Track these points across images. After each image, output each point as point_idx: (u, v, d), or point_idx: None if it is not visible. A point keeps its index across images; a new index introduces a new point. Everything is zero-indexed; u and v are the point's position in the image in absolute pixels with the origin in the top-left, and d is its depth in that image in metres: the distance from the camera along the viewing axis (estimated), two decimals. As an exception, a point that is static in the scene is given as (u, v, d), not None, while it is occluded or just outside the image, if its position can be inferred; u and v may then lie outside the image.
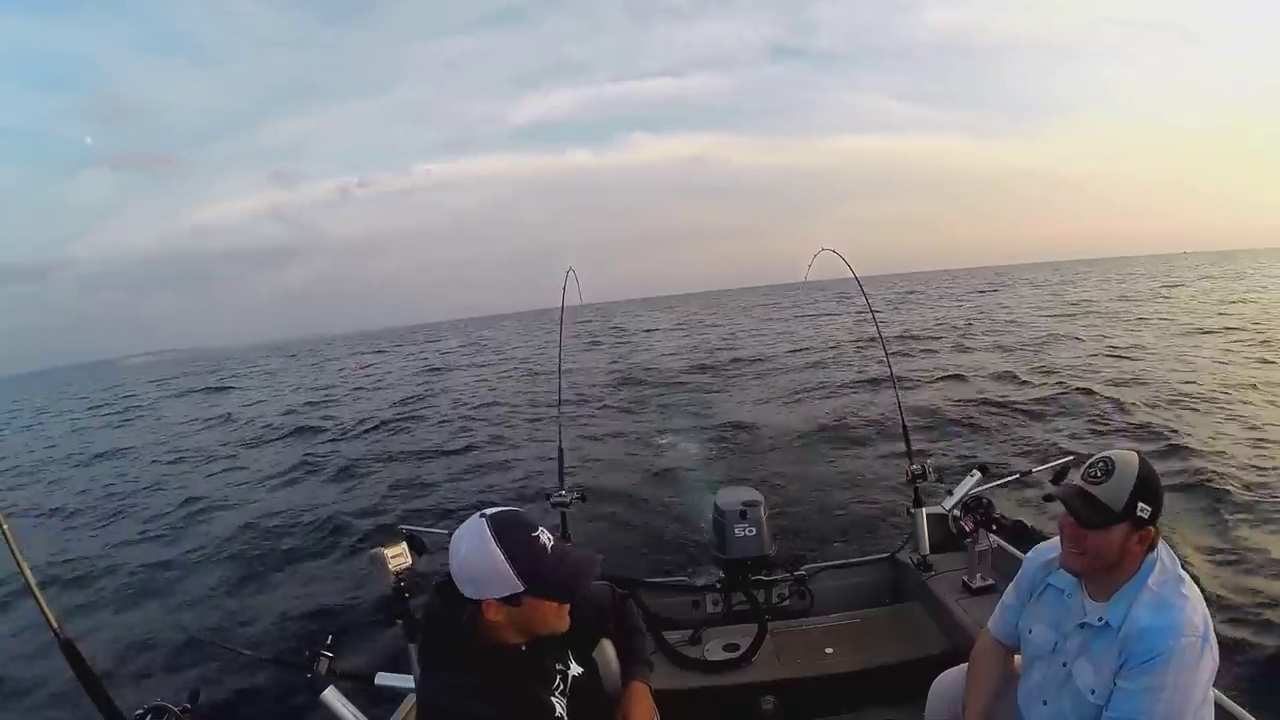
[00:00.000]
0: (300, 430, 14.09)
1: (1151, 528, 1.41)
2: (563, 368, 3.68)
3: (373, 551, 1.76)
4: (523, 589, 1.17)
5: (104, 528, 8.66)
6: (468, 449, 10.44)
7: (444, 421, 13.69)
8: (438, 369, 26.59)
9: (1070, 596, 1.55)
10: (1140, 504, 1.39)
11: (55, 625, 1.55)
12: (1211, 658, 1.36)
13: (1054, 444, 7.67)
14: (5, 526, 1.57)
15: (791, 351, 19.65)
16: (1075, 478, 1.49)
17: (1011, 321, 22.86)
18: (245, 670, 3.98)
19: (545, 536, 1.23)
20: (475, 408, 14.98)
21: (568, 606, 1.25)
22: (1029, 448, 7.76)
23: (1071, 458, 3.25)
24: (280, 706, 3.68)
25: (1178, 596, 1.39)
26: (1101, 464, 1.44)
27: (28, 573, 1.55)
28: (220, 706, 3.79)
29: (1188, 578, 1.43)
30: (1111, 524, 1.41)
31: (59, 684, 3.94)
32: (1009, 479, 3.14)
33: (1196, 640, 1.34)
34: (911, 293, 47.61)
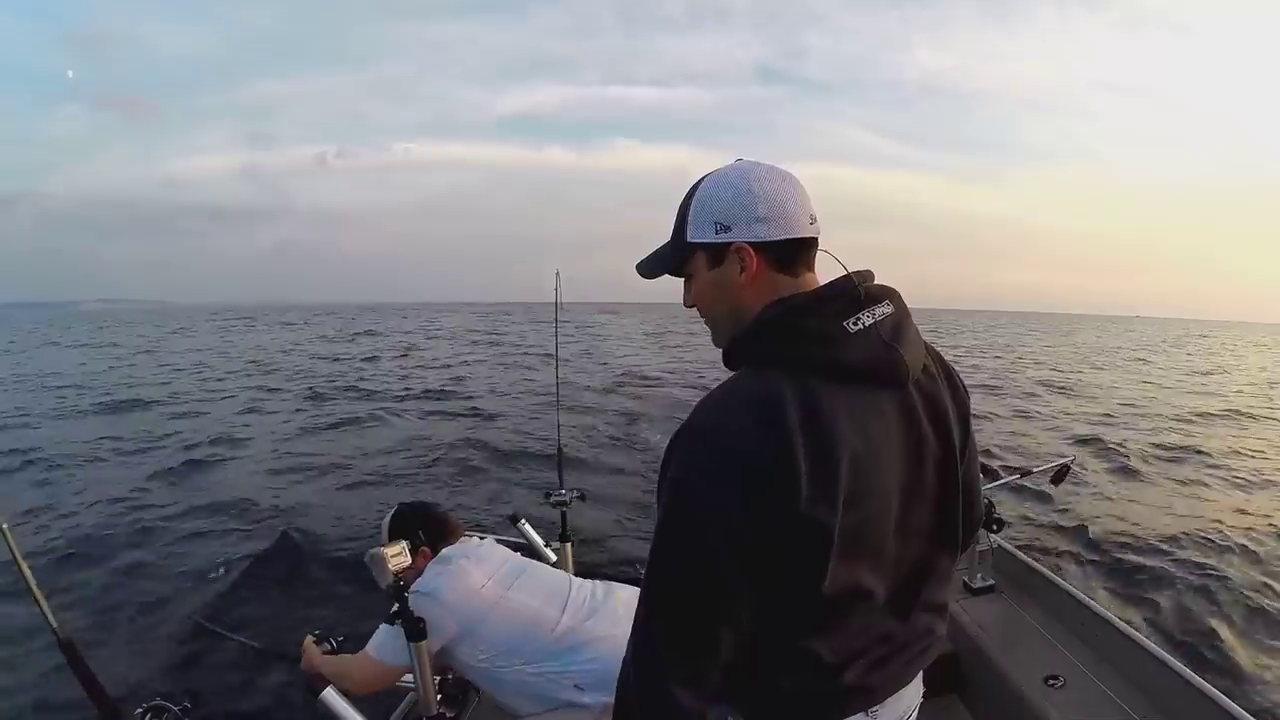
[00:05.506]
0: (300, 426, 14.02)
1: (424, 549, 1.96)
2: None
3: (372, 551, 1.76)
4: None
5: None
6: (465, 456, 10.38)
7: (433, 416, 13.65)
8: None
9: None
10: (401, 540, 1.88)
11: (54, 624, 1.54)
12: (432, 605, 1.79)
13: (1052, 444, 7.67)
14: (4, 525, 1.56)
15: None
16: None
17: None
18: (245, 669, 3.99)
19: None
20: (467, 398, 14.95)
21: None
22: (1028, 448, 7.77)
23: (1069, 458, 3.26)
24: (280, 706, 3.69)
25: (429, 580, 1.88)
26: None
27: (27, 572, 1.55)
28: (219, 705, 3.79)
29: (446, 568, 1.90)
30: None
31: (58, 684, 3.93)
32: (1009, 479, 3.14)
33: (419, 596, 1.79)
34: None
